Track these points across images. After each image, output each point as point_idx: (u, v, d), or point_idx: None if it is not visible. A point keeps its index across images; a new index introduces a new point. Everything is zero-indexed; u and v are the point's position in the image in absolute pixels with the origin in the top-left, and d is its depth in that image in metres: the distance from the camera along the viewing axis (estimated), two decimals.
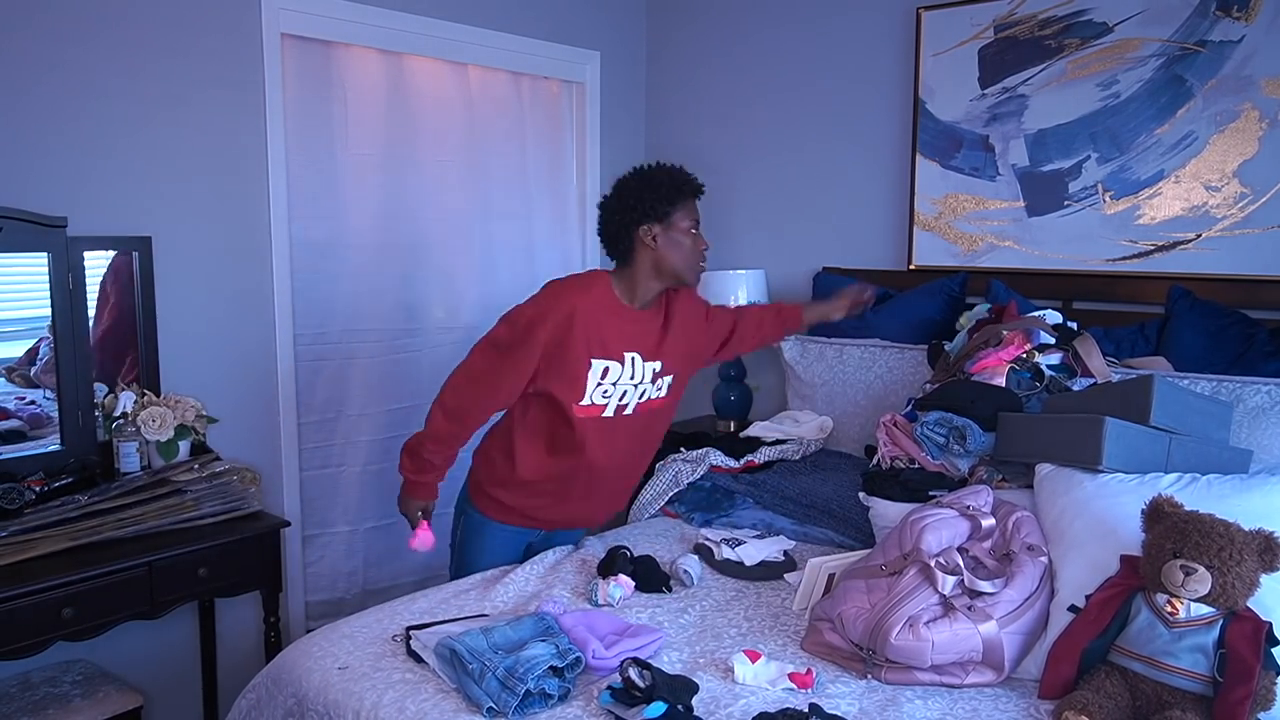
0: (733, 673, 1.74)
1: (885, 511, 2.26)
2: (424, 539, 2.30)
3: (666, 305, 2.31)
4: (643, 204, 2.18)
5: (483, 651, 1.69)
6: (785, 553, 2.36)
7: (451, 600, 2.11)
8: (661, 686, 1.59)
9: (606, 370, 2.18)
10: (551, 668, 1.65)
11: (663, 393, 2.32)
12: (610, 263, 2.29)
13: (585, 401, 2.18)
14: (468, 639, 1.72)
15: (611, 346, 2.19)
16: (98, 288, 2.53)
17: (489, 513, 2.34)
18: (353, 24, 3.00)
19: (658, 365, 2.27)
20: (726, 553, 2.33)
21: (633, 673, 1.61)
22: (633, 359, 2.22)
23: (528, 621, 1.83)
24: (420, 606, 2.07)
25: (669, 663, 1.81)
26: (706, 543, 2.39)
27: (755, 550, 2.33)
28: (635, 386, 2.24)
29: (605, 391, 2.20)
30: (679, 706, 1.56)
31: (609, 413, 2.22)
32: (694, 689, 1.63)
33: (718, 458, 2.84)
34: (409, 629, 1.88)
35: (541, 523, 2.38)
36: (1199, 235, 2.73)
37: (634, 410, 2.27)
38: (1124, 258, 2.86)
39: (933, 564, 1.83)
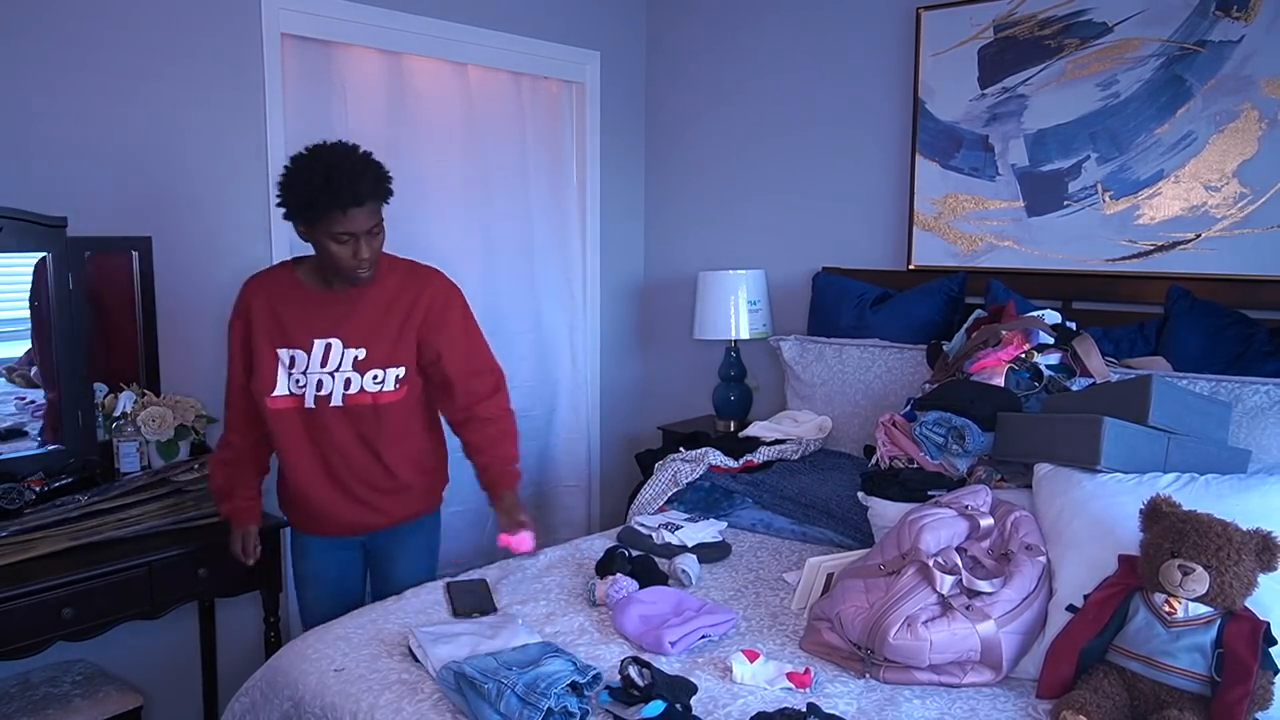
0: (731, 672, 1.75)
1: (884, 511, 2.26)
2: (522, 540, 2.13)
3: (380, 284, 2.13)
4: (288, 203, 2.00)
5: (495, 670, 1.62)
6: (720, 534, 2.47)
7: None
8: (661, 686, 1.59)
9: (294, 360, 2.09)
10: (572, 684, 1.59)
11: (384, 387, 2.14)
12: None
13: (278, 392, 2.10)
14: (475, 661, 1.67)
15: (296, 335, 2.09)
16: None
17: (301, 528, 2.33)
18: (353, 24, 3.01)
19: (362, 350, 2.11)
20: (666, 536, 2.38)
21: (632, 671, 1.60)
22: (330, 345, 2.09)
23: (532, 646, 1.78)
24: (414, 606, 2.07)
25: (666, 662, 1.81)
26: (641, 528, 2.44)
27: (692, 533, 2.41)
28: (333, 376, 2.10)
29: (298, 381, 2.10)
30: (677, 705, 1.56)
31: (310, 403, 2.11)
32: (693, 690, 1.63)
33: (717, 457, 2.84)
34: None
35: (337, 527, 2.26)
36: (1198, 235, 2.73)
37: (343, 402, 2.12)
38: (1123, 258, 2.86)
39: (931, 564, 1.83)
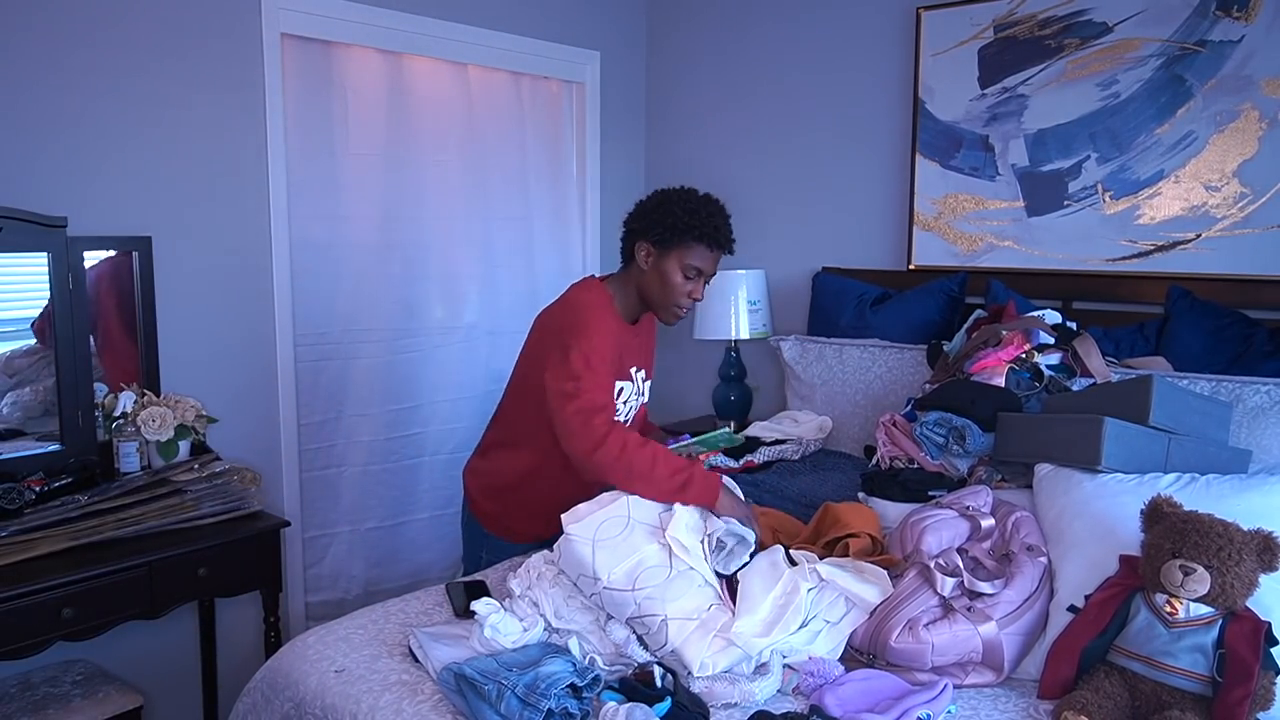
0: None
1: (885, 512, 2.26)
2: None
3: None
4: (656, 221, 2.14)
5: (496, 671, 1.61)
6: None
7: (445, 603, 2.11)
8: (681, 694, 1.59)
9: (621, 391, 2.19)
10: (571, 685, 1.58)
11: (645, 397, 2.35)
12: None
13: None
14: (475, 662, 1.66)
15: (624, 366, 2.20)
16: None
17: (516, 539, 2.35)
18: (353, 24, 3.01)
19: (644, 371, 2.33)
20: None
21: (656, 671, 1.60)
22: (636, 373, 2.27)
23: (532, 647, 1.77)
24: (415, 608, 2.06)
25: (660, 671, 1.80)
26: None
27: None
28: (636, 397, 2.29)
29: (618, 411, 2.19)
30: (684, 705, 1.56)
31: None
32: (706, 714, 1.61)
33: (717, 457, 2.84)
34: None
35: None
36: (1199, 235, 2.73)
37: (630, 420, 2.31)
38: (1124, 258, 2.86)
39: (932, 565, 1.83)
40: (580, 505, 1.93)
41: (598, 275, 2.39)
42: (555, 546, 1.90)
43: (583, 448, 1.99)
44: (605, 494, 1.95)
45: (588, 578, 1.81)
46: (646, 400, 2.39)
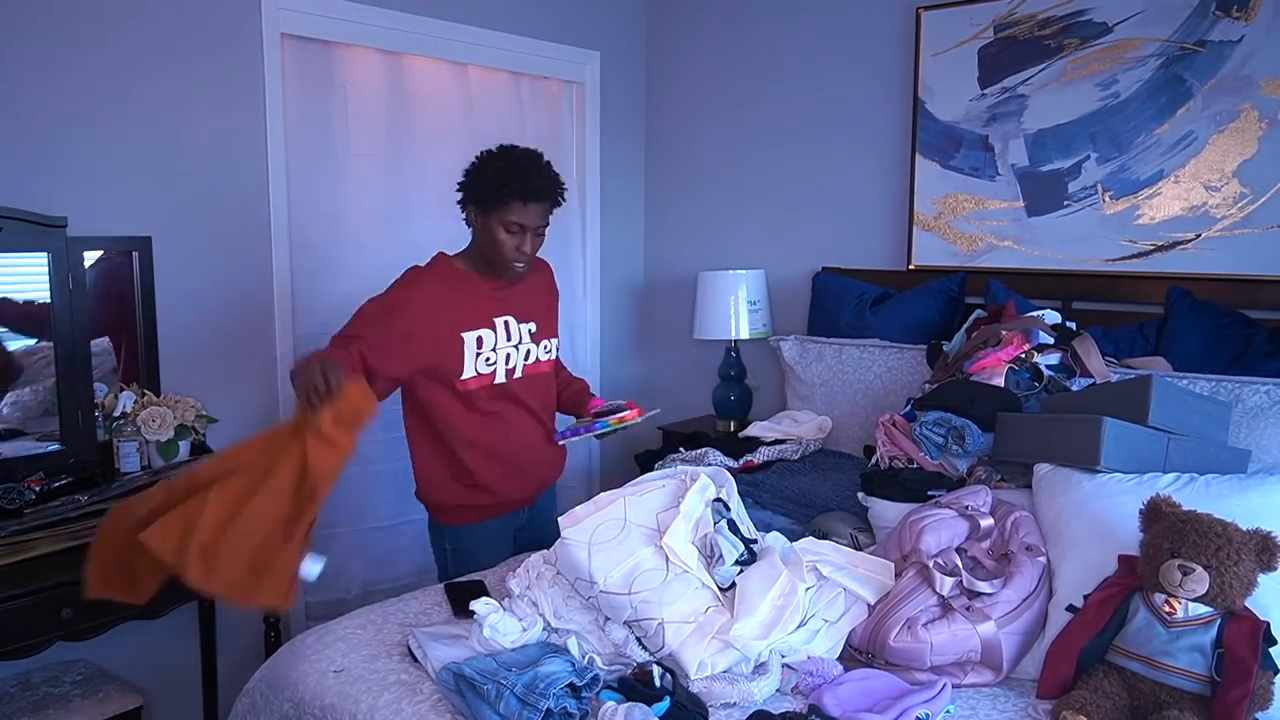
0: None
1: (884, 512, 2.26)
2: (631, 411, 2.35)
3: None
4: (473, 185, 2.20)
5: (495, 671, 1.61)
6: None
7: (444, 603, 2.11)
8: (680, 693, 1.58)
9: (482, 340, 2.22)
10: (570, 685, 1.57)
11: (546, 351, 2.38)
12: None
13: (466, 375, 2.22)
14: (474, 662, 1.66)
15: (481, 315, 2.23)
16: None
17: (465, 520, 2.37)
18: (353, 24, 3.01)
19: (533, 326, 2.34)
20: None
21: (655, 670, 1.60)
22: (518, 325, 2.29)
23: (531, 646, 1.77)
24: (414, 608, 2.06)
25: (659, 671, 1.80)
26: None
27: None
28: (517, 349, 2.30)
29: (488, 360, 2.24)
30: (683, 705, 1.56)
31: (500, 379, 2.27)
32: (705, 714, 1.61)
33: (716, 457, 2.84)
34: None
35: (511, 504, 2.42)
36: (1198, 235, 2.73)
37: (523, 373, 2.32)
38: (1123, 258, 2.86)
39: (931, 565, 1.83)
40: (577, 508, 1.92)
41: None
42: (552, 549, 1.90)
43: None
44: (602, 496, 1.95)
45: (584, 581, 1.81)
46: (552, 356, 2.41)
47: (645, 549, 1.85)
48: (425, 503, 2.43)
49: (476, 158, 2.24)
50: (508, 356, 2.28)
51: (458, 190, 2.24)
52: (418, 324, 2.15)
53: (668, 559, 1.84)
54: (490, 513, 2.38)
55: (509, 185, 2.15)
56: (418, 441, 2.34)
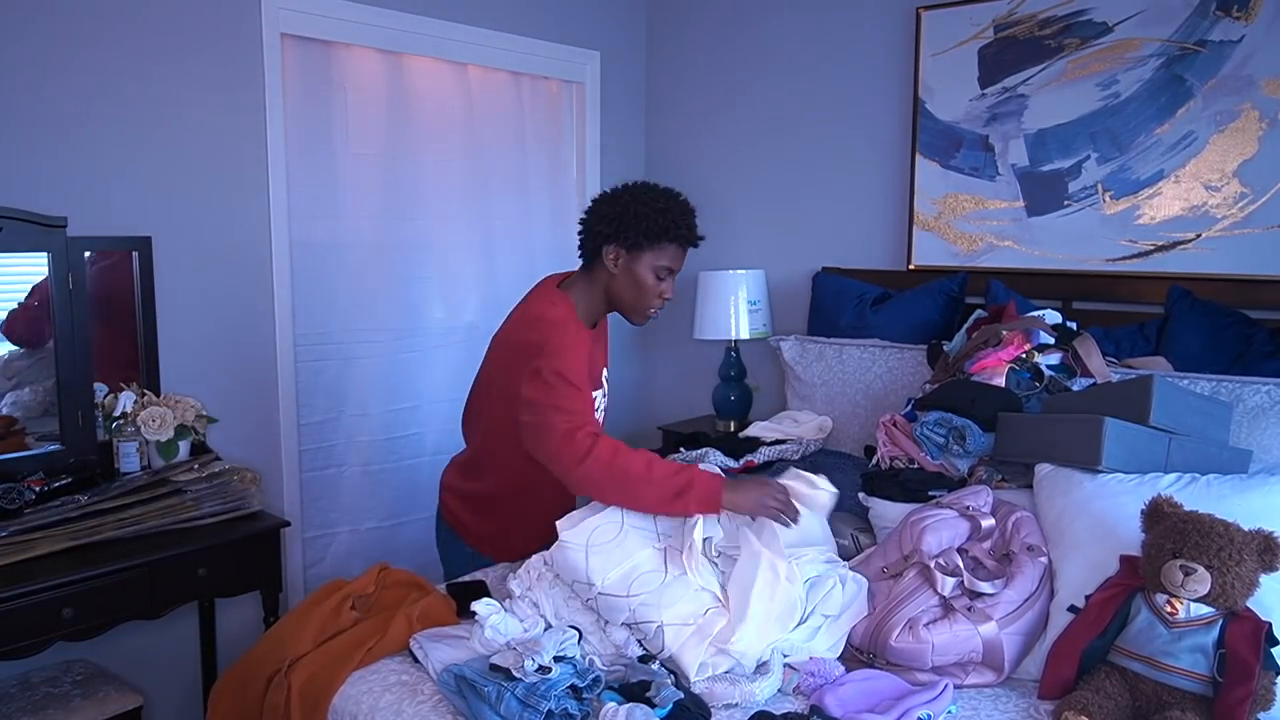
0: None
1: (885, 512, 2.26)
2: None
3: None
4: (626, 224, 2.03)
5: (495, 671, 1.61)
6: None
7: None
8: (684, 694, 1.58)
9: (594, 399, 2.12)
10: (571, 687, 1.58)
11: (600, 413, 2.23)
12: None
13: None
14: (476, 663, 1.66)
15: (595, 374, 2.16)
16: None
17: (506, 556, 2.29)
18: (353, 24, 3.00)
19: (606, 370, 2.29)
20: None
21: (654, 683, 1.60)
22: (605, 377, 2.26)
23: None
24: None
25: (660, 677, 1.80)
26: None
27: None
28: (604, 399, 2.25)
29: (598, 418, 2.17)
30: (686, 706, 1.56)
31: None
32: (707, 714, 1.60)
33: (717, 458, 2.83)
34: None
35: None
36: (1199, 235, 2.73)
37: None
38: (1124, 258, 2.85)
39: (932, 565, 1.83)
40: (575, 511, 1.92)
41: (554, 275, 2.29)
42: (550, 552, 1.90)
43: (569, 464, 1.89)
44: None
45: (582, 583, 1.81)
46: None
47: (643, 551, 1.84)
48: (455, 522, 2.34)
49: (619, 195, 2.08)
50: (602, 410, 2.20)
51: (591, 226, 2.08)
52: (583, 383, 2.01)
53: (666, 561, 1.84)
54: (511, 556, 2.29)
55: (674, 228, 2.03)
56: (503, 481, 2.21)
